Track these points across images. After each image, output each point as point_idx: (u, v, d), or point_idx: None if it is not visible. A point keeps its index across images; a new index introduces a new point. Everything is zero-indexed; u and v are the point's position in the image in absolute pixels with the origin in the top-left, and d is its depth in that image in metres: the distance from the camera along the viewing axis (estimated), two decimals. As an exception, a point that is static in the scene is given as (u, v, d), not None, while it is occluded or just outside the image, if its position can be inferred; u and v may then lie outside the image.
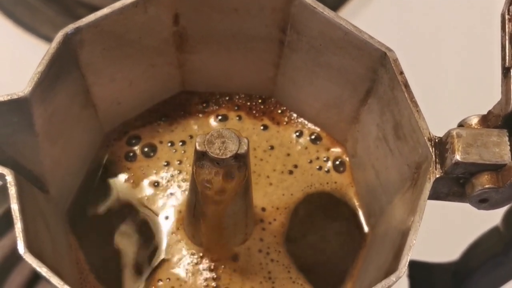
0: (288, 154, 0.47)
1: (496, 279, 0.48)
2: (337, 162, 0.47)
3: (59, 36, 0.40)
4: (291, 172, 0.46)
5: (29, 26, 0.68)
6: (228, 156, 0.37)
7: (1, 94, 0.38)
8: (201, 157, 0.38)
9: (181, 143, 0.47)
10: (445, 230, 0.57)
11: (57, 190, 0.43)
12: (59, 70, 0.40)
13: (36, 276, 0.61)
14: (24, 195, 0.38)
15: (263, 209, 0.45)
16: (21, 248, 0.36)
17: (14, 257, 0.61)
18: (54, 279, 0.35)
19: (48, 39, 0.67)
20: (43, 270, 0.35)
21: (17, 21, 0.68)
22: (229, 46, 0.45)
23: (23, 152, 0.40)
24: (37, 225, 0.39)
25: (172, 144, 0.47)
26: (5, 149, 0.39)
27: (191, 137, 0.47)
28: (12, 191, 0.37)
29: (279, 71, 0.46)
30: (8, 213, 0.61)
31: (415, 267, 0.50)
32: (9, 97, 0.38)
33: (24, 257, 0.36)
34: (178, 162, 0.46)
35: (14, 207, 0.37)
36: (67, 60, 0.41)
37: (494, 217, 0.46)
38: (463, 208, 0.43)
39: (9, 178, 0.37)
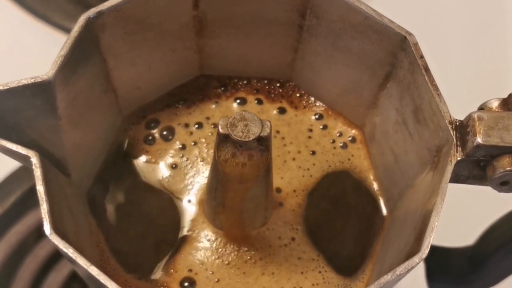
0: (310, 137, 0.47)
1: (514, 263, 0.48)
2: (356, 144, 0.47)
3: (81, 20, 0.40)
4: (313, 153, 0.46)
5: (41, 13, 0.68)
6: (251, 138, 0.38)
7: (25, 78, 0.38)
8: (223, 140, 0.39)
9: (197, 126, 0.47)
10: (461, 215, 0.57)
11: (78, 173, 0.43)
12: (81, 54, 0.40)
13: (49, 261, 0.61)
14: (48, 177, 0.38)
15: (280, 190, 0.45)
16: (47, 229, 0.36)
17: (28, 242, 0.61)
18: (81, 260, 0.35)
19: (60, 27, 0.67)
20: (69, 251, 0.36)
21: (29, 9, 0.69)
22: (248, 31, 0.45)
23: (46, 136, 0.40)
24: (60, 207, 0.39)
25: (190, 126, 0.47)
26: (29, 133, 0.39)
27: (208, 118, 0.47)
28: (38, 173, 0.37)
29: (298, 56, 0.46)
30: (18, 202, 0.62)
31: (431, 251, 0.50)
32: (33, 80, 0.38)
33: (50, 238, 0.36)
34: (195, 144, 0.46)
35: (40, 188, 0.37)
36: (89, 44, 0.41)
37: (510, 201, 0.46)
38: (479, 193, 0.43)
39: (34, 160, 0.37)
